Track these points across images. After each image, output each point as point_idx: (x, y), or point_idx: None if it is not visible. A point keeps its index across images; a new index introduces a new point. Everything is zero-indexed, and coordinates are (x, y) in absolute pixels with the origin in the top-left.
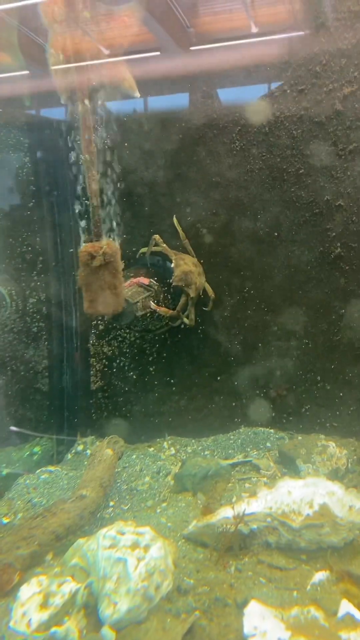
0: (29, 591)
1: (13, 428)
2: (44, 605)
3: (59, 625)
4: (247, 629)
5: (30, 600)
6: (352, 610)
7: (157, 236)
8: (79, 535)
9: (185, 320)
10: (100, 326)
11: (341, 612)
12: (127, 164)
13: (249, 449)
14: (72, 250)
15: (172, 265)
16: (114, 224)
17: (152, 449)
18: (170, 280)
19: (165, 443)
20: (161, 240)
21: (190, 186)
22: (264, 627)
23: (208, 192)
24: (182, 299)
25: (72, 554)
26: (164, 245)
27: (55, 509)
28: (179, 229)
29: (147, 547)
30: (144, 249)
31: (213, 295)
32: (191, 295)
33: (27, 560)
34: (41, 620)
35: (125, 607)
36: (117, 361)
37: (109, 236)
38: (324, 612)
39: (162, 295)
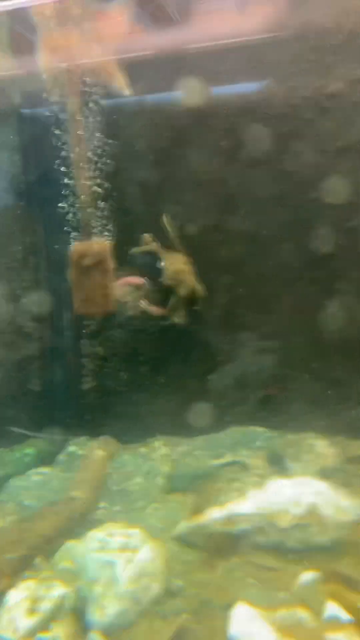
0: (17, 596)
1: (12, 428)
2: (31, 610)
3: (46, 631)
4: (233, 632)
5: (18, 606)
6: (338, 611)
7: (147, 235)
8: (69, 538)
9: (176, 319)
10: (91, 326)
11: (327, 613)
12: (118, 161)
13: (239, 448)
14: (62, 249)
15: (163, 264)
16: (105, 223)
17: (143, 449)
18: (161, 280)
19: (156, 443)
20: (151, 239)
21: (180, 184)
22: (251, 630)
23: (197, 190)
24: (173, 298)
25: (62, 557)
26: (155, 244)
27: (45, 512)
28: (169, 228)
29: (136, 549)
30: (135, 249)
31: (203, 295)
32: (182, 295)
33: (16, 564)
34: (28, 626)
35: (114, 611)
36: (109, 361)
37: (100, 235)
38: (311, 612)
39: (153, 295)
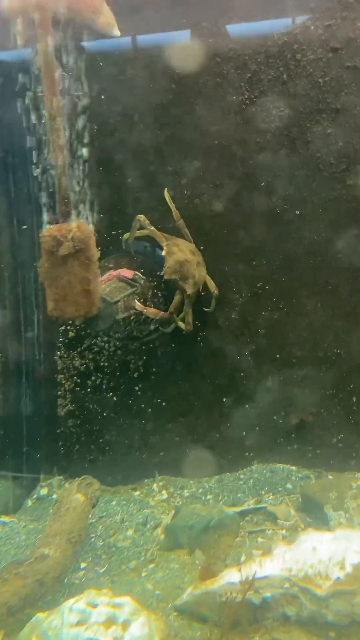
0: None
1: None
2: None
3: None
4: None
5: None
6: None
7: (142, 216)
8: (38, 608)
9: (181, 324)
10: (69, 333)
11: None
12: (105, 122)
13: (263, 492)
14: (32, 233)
15: (164, 253)
16: (87, 200)
17: (137, 492)
18: (162, 273)
19: (154, 485)
20: (148, 221)
21: (186, 151)
22: None
23: (209, 157)
24: (177, 297)
25: (29, 633)
26: (152, 227)
27: (7, 574)
28: (172, 206)
29: (126, 624)
30: (127, 235)
31: (216, 292)
32: (188, 292)
33: None
34: None
35: None
36: (93, 378)
37: (81, 216)
38: None
39: (150, 292)
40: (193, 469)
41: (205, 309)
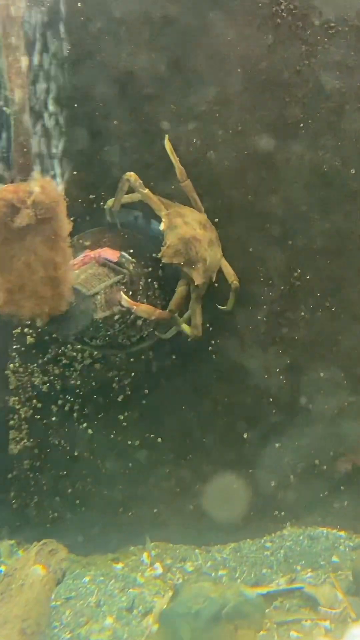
0: None
1: None
2: None
3: None
4: None
5: None
6: None
7: (132, 174)
8: None
9: (185, 328)
10: (27, 339)
11: None
12: (83, 40)
13: (298, 568)
14: None
15: (162, 226)
16: (55, 150)
17: (120, 565)
18: (159, 255)
19: (144, 554)
20: (140, 181)
21: (196, 83)
22: None
23: (227, 92)
24: (180, 289)
25: None
26: (146, 190)
27: None
28: (175, 160)
29: None
30: (111, 201)
31: (236, 283)
32: (196, 283)
33: None
34: None
35: None
36: (60, 403)
37: (46, 172)
38: None
39: (142, 282)
40: (199, 532)
41: (220, 307)
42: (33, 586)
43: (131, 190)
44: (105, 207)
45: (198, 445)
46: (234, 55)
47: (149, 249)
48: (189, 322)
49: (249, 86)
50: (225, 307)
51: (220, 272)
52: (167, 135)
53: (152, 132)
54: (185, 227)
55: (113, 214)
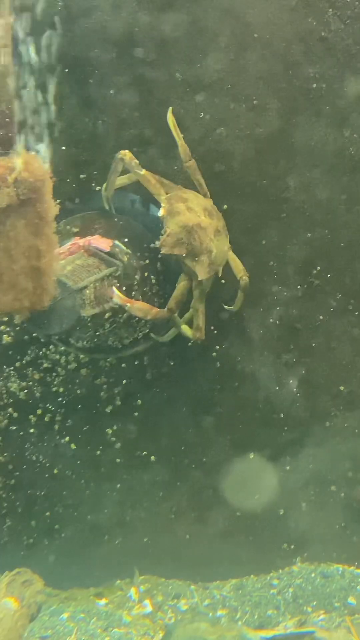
0: None
1: None
2: None
3: None
4: None
5: None
6: None
7: (127, 153)
8: None
9: (186, 329)
10: (4, 338)
11: None
12: None
13: (309, 609)
14: None
15: (161, 212)
16: (43, 121)
17: (104, 600)
18: (158, 245)
19: (132, 590)
20: (137, 161)
21: (206, 47)
22: None
23: (243, 59)
24: (181, 285)
25: None
26: (144, 171)
27: None
28: (178, 136)
29: None
30: (107, 185)
31: (245, 279)
32: (199, 278)
33: None
34: None
35: None
36: (39, 413)
37: (31, 147)
38: None
39: (138, 276)
40: (196, 566)
41: (226, 307)
42: (3, 622)
43: (127, 171)
44: (102, 190)
45: (197, 465)
46: (250, 17)
47: (147, 239)
48: (190, 324)
49: (266, 54)
50: (232, 307)
51: (227, 266)
52: (170, 108)
53: (153, 104)
54: (188, 213)
55: (108, 200)
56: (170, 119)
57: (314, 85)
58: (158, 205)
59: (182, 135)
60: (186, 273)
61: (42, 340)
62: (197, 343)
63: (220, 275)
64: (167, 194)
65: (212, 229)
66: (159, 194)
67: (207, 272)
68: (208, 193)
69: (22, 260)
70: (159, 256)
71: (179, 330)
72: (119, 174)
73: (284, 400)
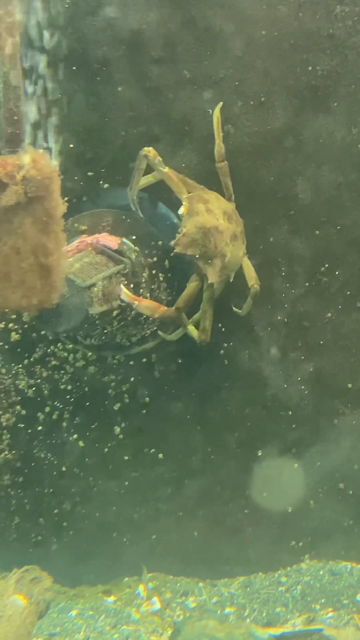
0: None
1: None
2: None
3: None
4: None
5: None
6: None
7: (150, 149)
8: None
9: (192, 330)
10: (12, 335)
11: None
12: None
13: (318, 607)
14: None
15: (181, 210)
16: (51, 118)
17: (112, 598)
18: (172, 243)
19: (140, 587)
20: (160, 158)
21: (213, 45)
22: None
23: (251, 56)
24: (191, 285)
25: None
26: (167, 169)
27: None
28: (219, 135)
29: None
30: (134, 188)
31: (256, 287)
32: (210, 280)
33: None
34: None
35: None
36: (47, 410)
37: (39, 144)
38: None
39: (146, 274)
40: (204, 563)
41: (235, 308)
42: (12, 619)
43: (150, 169)
44: (129, 193)
45: (205, 462)
46: (258, 14)
47: (155, 236)
48: (197, 324)
49: (274, 51)
50: (241, 311)
51: (240, 271)
52: (220, 103)
53: (161, 101)
54: (207, 215)
55: (134, 200)
56: (217, 115)
57: (322, 83)
58: (167, 203)
59: (222, 134)
60: (198, 274)
61: (50, 337)
62: (203, 344)
63: (231, 281)
64: (189, 194)
65: (229, 234)
66: (181, 192)
67: (218, 276)
68: (233, 197)
69: (30, 258)
70: (172, 254)
71: (185, 330)
72: (142, 172)
73: (291, 398)
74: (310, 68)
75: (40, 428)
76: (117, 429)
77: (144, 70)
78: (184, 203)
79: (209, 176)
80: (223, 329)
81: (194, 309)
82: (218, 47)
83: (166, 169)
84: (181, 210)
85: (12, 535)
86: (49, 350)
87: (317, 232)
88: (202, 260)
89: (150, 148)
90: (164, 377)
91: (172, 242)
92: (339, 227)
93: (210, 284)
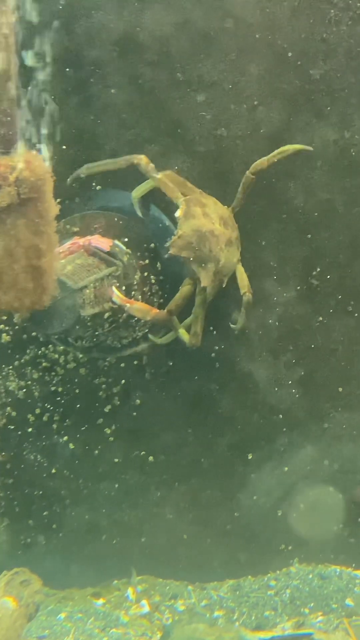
0: None
1: None
2: None
3: None
4: None
5: None
6: None
7: (142, 157)
8: None
9: (183, 334)
10: (3, 337)
11: None
12: None
13: (307, 611)
14: None
15: (178, 213)
16: (44, 119)
17: (101, 600)
18: (166, 244)
19: (129, 590)
20: (152, 165)
21: (206, 48)
22: None
23: (244, 59)
24: (184, 289)
25: None
26: (160, 175)
27: None
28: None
29: None
30: (136, 191)
31: (249, 295)
32: (203, 284)
33: None
34: None
35: None
36: (37, 412)
37: (32, 145)
38: None
39: (138, 276)
40: (193, 566)
41: (232, 325)
42: (1, 621)
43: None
44: (132, 198)
45: (195, 466)
46: (252, 18)
47: (147, 239)
48: (188, 328)
49: (268, 54)
50: (235, 326)
51: (233, 277)
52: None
53: (154, 104)
54: (204, 218)
55: (140, 207)
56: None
57: (315, 87)
58: (159, 206)
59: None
60: (191, 277)
61: (41, 339)
62: (194, 348)
63: (224, 286)
64: (185, 197)
65: (225, 239)
66: (177, 197)
67: (212, 280)
68: (237, 207)
69: (22, 260)
70: (166, 256)
71: (176, 334)
72: (112, 167)
73: (282, 401)
74: (303, 72)
75: (30, 430)
76: (108, 431)
77: (136, 72)
78: (181, 205)
79: (201, 179)
80: (214, 332)
81: (186, 313)
82: (212, 50)
83: (159, 175)
84: (178, 213)
85: (1, 537)
86: (40, 351)
87: (309, 235)
88: (196, 263)
89: (142, 156)
90: (155, 379)
91: (167, 244)
92: (331, 231)
93: (202, 288)
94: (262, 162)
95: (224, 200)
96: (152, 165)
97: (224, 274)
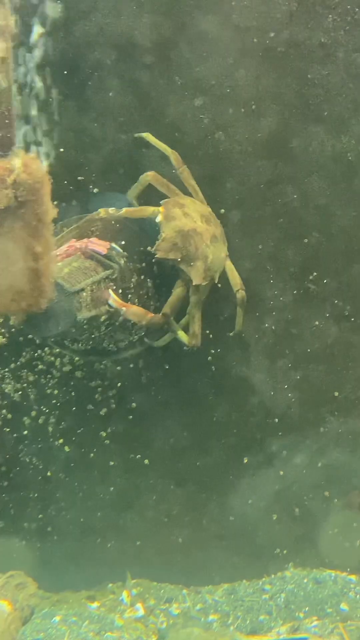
0: None
1: None
2: None
3: None
4: None
5: None
6: None
7: (151, 174)
8: None
9: (182, 335)
10: (0, 338)
11: None
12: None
13: (302, 615)
14: None
15: (159, 217)
16: (42, 122)
17: (96, 604)
18: (153, 249)
19: (124, 593)
20: (161, 180)
21: (205, 51)
22: None
23: (242, 63)
24: (177, 291)
25: None
26: (124, 210)
27: None
28: (164, 147)
29: None
30: (133, 193)
31: (242, 292)
32: (194, 282)
33: None
34: None
35: None
36: (33, 414)
37: (30, 148)
38: None
39: (135, 279)
40: (188, 570)
41: (230, 334)
42: None
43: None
44: (128, 197)
45: (191, 469)
46: (250, 22)
47: (143, 242)
48: (186, 329)
49: (266, 59)
50: (233, 332)
51: (224, 275)
52: (146, 134)
53: (152, 107)
54: (184, 218)
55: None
56: (150, 138)
57: (313, 91)
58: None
59: (164, 145)
60: (182, 279)
61: (37, 342)
62: (193, 349)
63: (216, 282)
64: (167, 199)
65: (209, 235)
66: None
67: (203, 277)
68: (204, 200)
69: (19, 262)
70: (154, 261)
71: (175, 336)
72: (142, 188)
73: (278, 405)
74: (301, 76)
75: (25, 432)
76: (103, 434)
77: (134, 75)
78: (160, 210)
79: (199, 183)
80: (210, 336)
81: (182, 315)
82: (210, 54)
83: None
84: (158, 218)
85: (5, 544)
86: (36, 354)
87: (306, 240)
88: (185, 263)
89: (152, 172)
90: (151, 382)
91: (153, 249)
92: (327, 236)
93: (195, 288)
94: (172, 154)
95: (220, 204)
96: (160, 179)
97: (214, 269)
